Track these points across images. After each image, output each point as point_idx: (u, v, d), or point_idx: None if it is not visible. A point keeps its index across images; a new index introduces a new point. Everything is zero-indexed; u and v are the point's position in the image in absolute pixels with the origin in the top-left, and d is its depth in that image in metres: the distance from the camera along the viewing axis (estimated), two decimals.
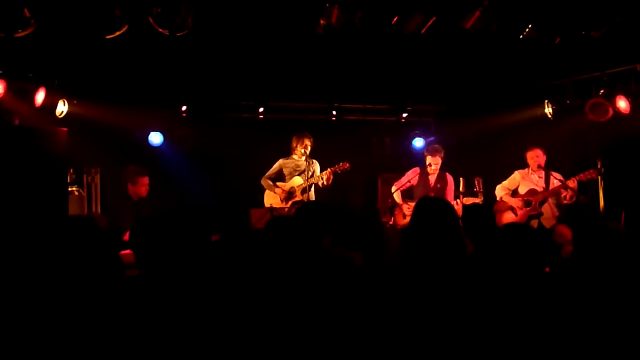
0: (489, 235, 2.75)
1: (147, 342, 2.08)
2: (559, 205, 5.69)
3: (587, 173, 5.41)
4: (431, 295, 2.26)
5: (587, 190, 5.67)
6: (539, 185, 5.70)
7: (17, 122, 4.94)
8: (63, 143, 4.48)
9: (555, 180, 5.61)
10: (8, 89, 4.71)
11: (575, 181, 5.44)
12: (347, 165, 5.83)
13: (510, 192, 5.84)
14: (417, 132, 7.34)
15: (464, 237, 2.89)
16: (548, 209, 5.66)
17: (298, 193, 5.96)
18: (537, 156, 5.66)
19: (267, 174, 6.17)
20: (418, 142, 7.28)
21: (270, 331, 2.13)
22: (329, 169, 5.87)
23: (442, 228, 2.44)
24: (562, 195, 5.56)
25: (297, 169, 6.04)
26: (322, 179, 5.88)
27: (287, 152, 6.13)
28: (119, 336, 2.12)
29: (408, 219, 5.97)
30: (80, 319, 2.14)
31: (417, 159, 6.64)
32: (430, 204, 2.64)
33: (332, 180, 5.90)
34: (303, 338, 2.19)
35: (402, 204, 6.02)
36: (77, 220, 2.50)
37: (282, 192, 6.02)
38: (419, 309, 2.23)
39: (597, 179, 5.52)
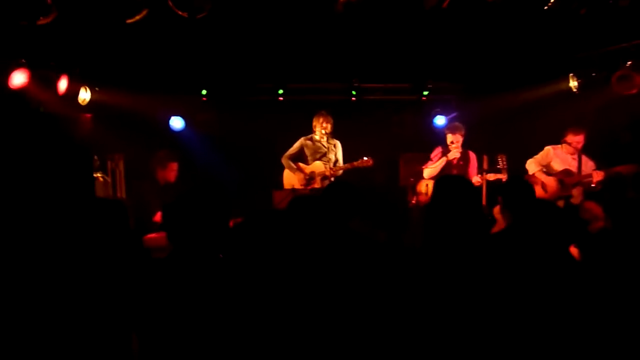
0: (529, 209, 2.70)
1: (176, 320, 2.12)
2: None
3: (627, 167, 5.29)
4: (454, 273, 2.25)
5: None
6: (573, 166, 5.62)
7: (42, 110, 5.02)
8: (88, 129, 4.54)
9: (588, 164, 5.56)
10: (32, 77, 4.78)
11: (603, 174, 5.39)
12: (371, 162, 5.76)
13: (542, 168, 5.76)
14: (438, 110, 7.25)
15: (505, 211, 2.88)
16: (577, 191, 5.60)
17: (318, 180, 5.93)
18: (578, 142, 5.60)
19: (288, 152, 6.12)
20: (439, 120, 7.19)
21: (300, 311, 2.15)
22: (349, 164, 5.83)
23: (461, 205, 2.43)
24: (592, 184, 5.50)
25: (319, 151, 6.00)
26: (341, 169, 5.86)
27: (309, 132, 6.10)
28: (146, 315, 2.16)
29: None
30: (105, 300, 2.18)
31: (438, 138, 6.56)
32: (448, 181, 2.63)
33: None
34: (333, 319, 2.20)
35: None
36: (107, 203, 2.54)
37: (303, 177, 5.99)
38: (442, 287, 2.23)
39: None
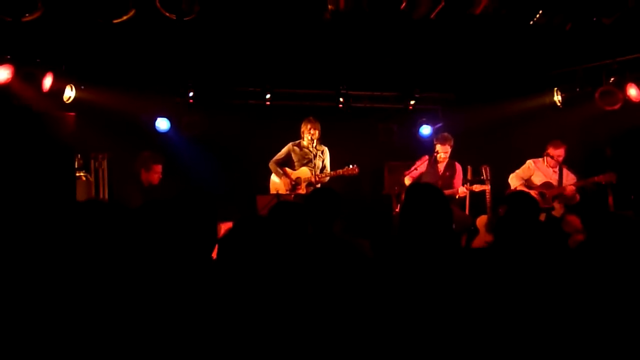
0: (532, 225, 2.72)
1: (157, 328, 2.09)
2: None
3: (606, 175, 5.39)
4: (420, 279, 2.25)
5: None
6: (553, 179, 5.69)
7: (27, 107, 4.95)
8: (70, 128, 4.49)
9: (569, 177, 5.62)
10: (16, 74, 4.72)
11: (574, 188, 5.51)
12: (356, 170, 5.76)
13: (524, 182, 5.82)
14: (424, 119, 7.30)
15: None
16: (557, 204, 5.67)
17: (303, 186, 5.91)
18: (559, 155, 5.68)
19: (276, 157, 6.11)
20: (425, 130, 7.25)
21: (283, 318, 2.14)
22: (335, 172, 5.84)
23: (431, 213, 2.43)
24: (567, 195, 5.61)
25: (306, 157, 6.00)
26: (327, 176, 5.87)
27: (295, 138, 6.10)
28: (130, 321, 2.13)
29: None
30: (89, 304, 2.15)
31: (424, 147, 6.60)
32: (419, 190, 2.63)
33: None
34: (317, 324, 2.20)
35: None
36: (90, 203, 2.50)
37: (288, 182, 5.99)
38: (407, 293, 2.22)
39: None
